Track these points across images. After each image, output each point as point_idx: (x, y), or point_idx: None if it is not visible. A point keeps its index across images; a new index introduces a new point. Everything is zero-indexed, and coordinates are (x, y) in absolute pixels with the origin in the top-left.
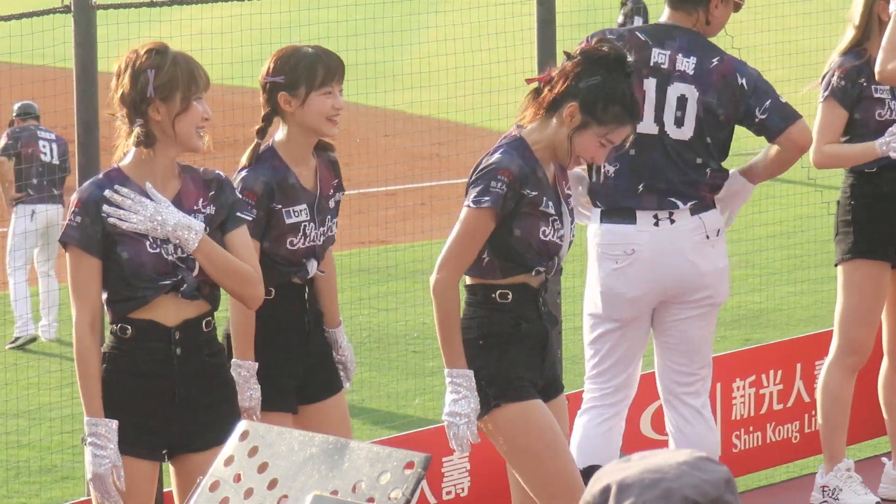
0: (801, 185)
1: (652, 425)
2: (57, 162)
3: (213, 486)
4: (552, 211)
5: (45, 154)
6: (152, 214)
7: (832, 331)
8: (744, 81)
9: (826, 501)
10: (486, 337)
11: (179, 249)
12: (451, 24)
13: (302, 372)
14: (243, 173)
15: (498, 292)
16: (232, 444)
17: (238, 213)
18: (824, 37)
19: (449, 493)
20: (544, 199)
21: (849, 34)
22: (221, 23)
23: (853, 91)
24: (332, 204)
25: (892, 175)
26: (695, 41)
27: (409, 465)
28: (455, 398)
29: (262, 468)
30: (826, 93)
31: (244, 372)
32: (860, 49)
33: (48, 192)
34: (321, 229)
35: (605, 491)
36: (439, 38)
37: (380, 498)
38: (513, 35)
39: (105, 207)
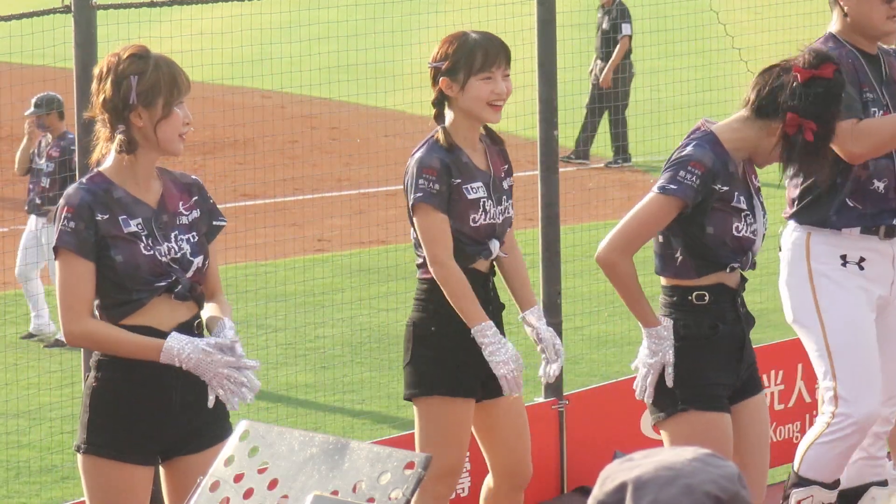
0: None
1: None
2: None
3: (213, 486)
4: (744, 206)
5: None
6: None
7: None
8: None
9: None
10: (682, 339)
11: (172, 250)
12: (451, 25)
13: (483, 363)
14: (417, 154)
15: (694, 294)
16: (232, 444)
17: (215, 222)
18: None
19: None
20: (735, 194)
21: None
22: (221, 23)
23: None
24: (505, 185)
25: None
26: None
27: (409, 465)
28: (647, 350)
29: (262, 468)
30: None
31: (489, 331)
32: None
33: None
34: (499, 208)
35: (621, 489)
36: (439, 38)
37: (380, 498)
38: (513, 35)
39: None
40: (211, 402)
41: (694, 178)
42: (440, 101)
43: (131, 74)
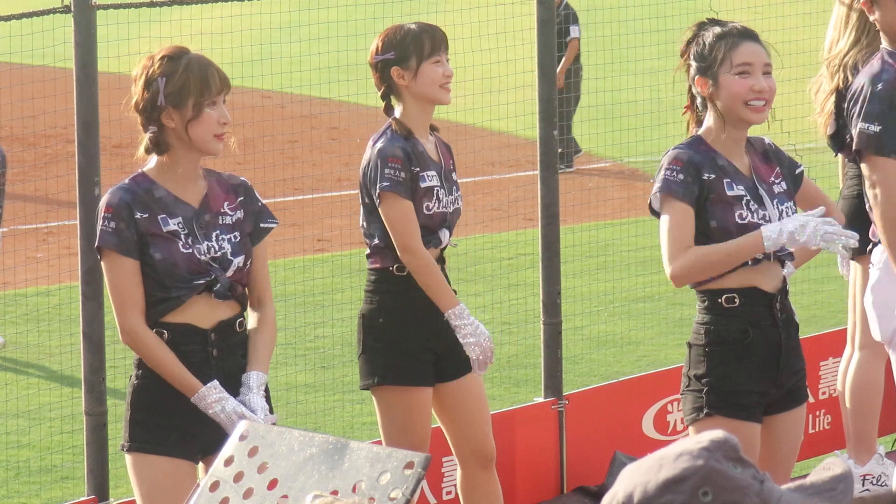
0: None
1: (654, 425)
2: None
3: (213, 486)
4: (742, 192)
5: None
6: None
7: (833, 332)
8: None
9: (868, 490)
10: (712, 344)
11: (213, 249)
12: (452, 24)
13: (438, 347)
14: (378, 144)
15: (724, 297)
16: (232, 444)
17: (262, 224)
18: (824, 37)
19: (449, 493)
20: (726, 181)
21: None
22: (221, 23)
23: None
24: (454, 177)
25: None
26: None
27: (409, 465)
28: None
29: (262, 468)
30: None
31: (464, 314)
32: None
33: None
34: (450, 198)
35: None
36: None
37: (380, 498)
38: (513, 35)
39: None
40: None
41: (676, 174)
42: (388, 94)
43: (160, 77)
